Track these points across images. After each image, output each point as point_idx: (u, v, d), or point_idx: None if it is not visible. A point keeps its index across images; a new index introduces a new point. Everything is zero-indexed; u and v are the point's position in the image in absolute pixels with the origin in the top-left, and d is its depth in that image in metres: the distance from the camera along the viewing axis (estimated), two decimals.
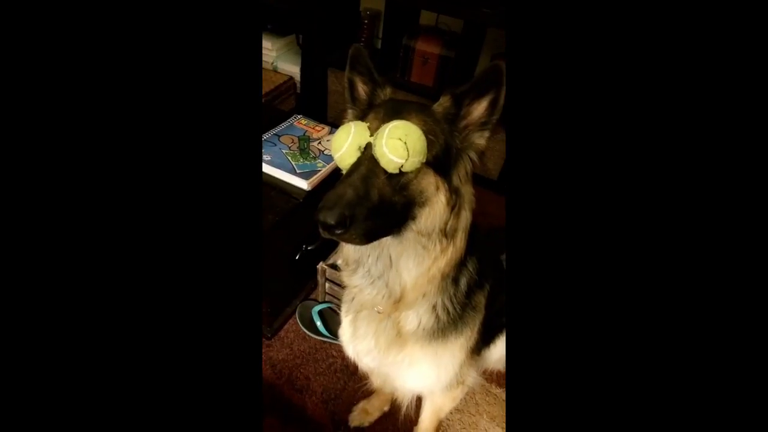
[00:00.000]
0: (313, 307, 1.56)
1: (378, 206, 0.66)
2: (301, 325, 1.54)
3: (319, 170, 1.34)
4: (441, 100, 0.76)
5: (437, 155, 0.70)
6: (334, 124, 1.56)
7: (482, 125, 0.74)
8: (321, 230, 0.65)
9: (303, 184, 1.30)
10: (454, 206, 0.74)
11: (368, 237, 0.67)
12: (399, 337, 0.88)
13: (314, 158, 1.39)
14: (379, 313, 0.86)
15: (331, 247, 1.58)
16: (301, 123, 1.53)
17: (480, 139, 0.75)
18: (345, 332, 0.99)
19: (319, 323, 1.51)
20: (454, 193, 0.73)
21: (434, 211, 0.73)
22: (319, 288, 1.58)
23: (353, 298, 0.94)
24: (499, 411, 1.42)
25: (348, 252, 0.84)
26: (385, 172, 0.68)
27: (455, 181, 0.74)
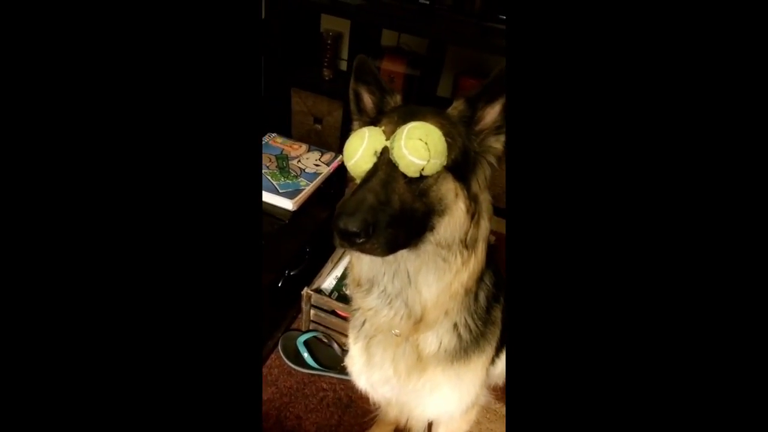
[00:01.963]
0: (297, 337, 1.44)
1: (400, 213, 0.62)
2: (285, 359, 1.41)
3: (303, 189, 1.27)
4: (455, 104, 0.74)
5: (456, 159, 0.67)
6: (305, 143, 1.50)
7: (497, 129, 0.73)
8: (339, 240, 0.60)
9: (287, 204, 1.22)
10: (473, 215, 0.71)
11: (390, 247, 0.62)
12: (419, 361, 0.81)
13: (296, 177, 1.31)
14: (396, 336, 0.80)
15: (315, 271, 1.49)
16: (276, 141, 1.45)
17: (497, 143, 0.73)
18: (355, 361, 0.91)
19: (306, 355, 1.40)
20: (473, 201, 0.71)
21: (454, 220, 0.69)
22: (303, 316, 1.47)
23: (364, 323, 0.87)
24: (500, 427, 1.38)
25: (360, 270, 0.78)
26: (405, 177, 0.64)
27: (474, 187, 0.71)
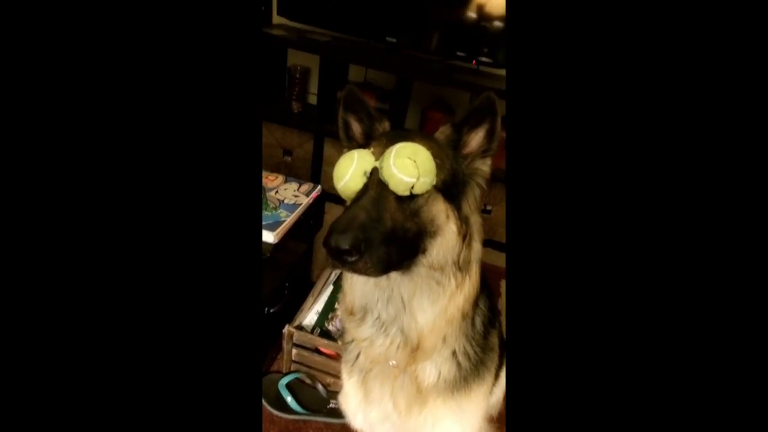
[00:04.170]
0: (278, 380, 1.35)
1: (392, 232, 0.62)
2: (267, 405, 1.32)
3: (284, 220, 1.23)
4: (441, 129, 0.76)
5: (446, 180, 0.69)
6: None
7: (483, 152, 0.75)
8: (331, 259, 0.59)
9: (269, 237, 1.17)
10: (465, 236, 0.72)
11: (383, 267, 0.61)
12: (419, 393, 0.78)
13: (275, 208, 1.27)
14: (394, 367, 0.76)
15: (295, 307, 1.42)
16: None
17: (484, 166, 0.75)
18: (350, 398, 0.86)
19: (289, 399, 1.31)
20: (464, 222, 0.72)
21: (446, 241, 0.69)
22: (285, 356, 1.38)
23: (358, 355, 0.83)
24: None
25: (353, 297, 0.76)
26: (395, 196, 0.65)
27: (465, 209, 0.72)
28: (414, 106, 2.40)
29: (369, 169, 0.66)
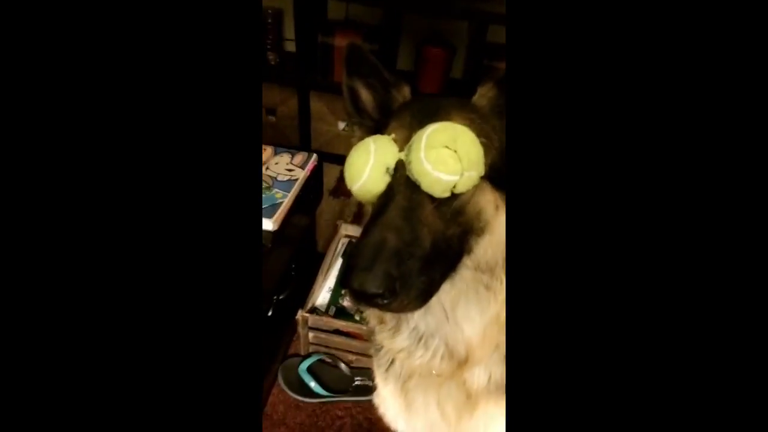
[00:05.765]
0: (299, 365, 1.29)
1: (433, 252, 0.48)
2: (289, 392, 1.26)
3: (281, 202, 1.08)
4: (481, 90, 0.58)
5: (494, 164, 0.53)
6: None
7: None
8: (354, 301, 0.47)
9: (267, 225, 1.03)
10: None
11: (425, 299, 0.49)
12: (469, 399, 0.69)
13: (268, 188, 1.12)
14: (438, 376, 0.67)
15: (306, 287, 1.32)
16: None
17: None
18: (389, 405, 0.78)
19: (312, 384, 1.25)
20: None
21: (496, 238, 0.55)
22: (301, 339, 1.31)
23: (390, 361, 0.73)
24: None
25: None
26: (432, 198, 0.49)
27: None
28: (406, 44, 2.14)
29: (392, 164, 0.51)
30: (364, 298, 0.45)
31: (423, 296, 0.48)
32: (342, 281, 0.46)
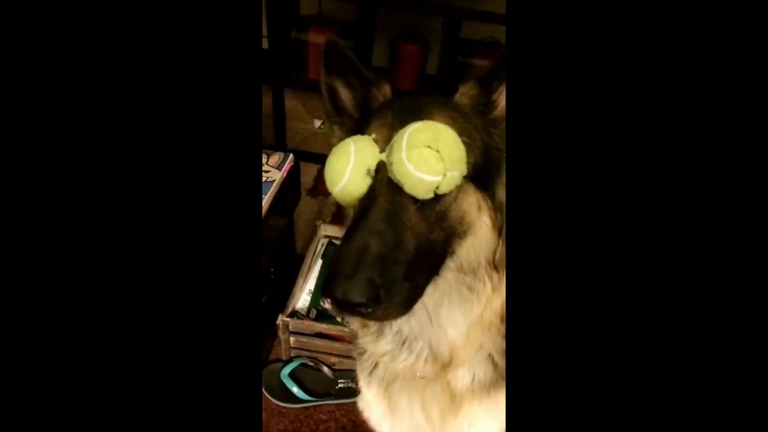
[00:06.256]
0: (280, 370, 1.26)
1: (417, 256, 0.47)
2: (271, 398, 1.23)
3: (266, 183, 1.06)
4: (463, 88, 0.57)
5: (477, 163, 0.52)
6: None
7: None
8: (337, 310, 0.46)
9: None
10: (500, 229, 0.56)
11: (409, 304, 0.48)
12: (453, 400, 0.69)
13: None
14: (422, 379, 0.66)
15: (286, 289, 1.29)
16: None
17: None
18: (373, 408, 0.77)
19: (295, 389, 1.22)
20: (498, 211, 0.55)
21: (478, 239, 0.54)
22: (283, 345, 1.28)
23: (374, 365, 0.72)
24: None
25: None
26: (414, 200, 0.48)
27: (500, 194, 0.56)
28: (381, 40, 2.12)
29: (374, 165, 0.49)
30: (347, 308, 0.43)
31: (407, 303, 0.47)
32: (324, 290, 0.44)
